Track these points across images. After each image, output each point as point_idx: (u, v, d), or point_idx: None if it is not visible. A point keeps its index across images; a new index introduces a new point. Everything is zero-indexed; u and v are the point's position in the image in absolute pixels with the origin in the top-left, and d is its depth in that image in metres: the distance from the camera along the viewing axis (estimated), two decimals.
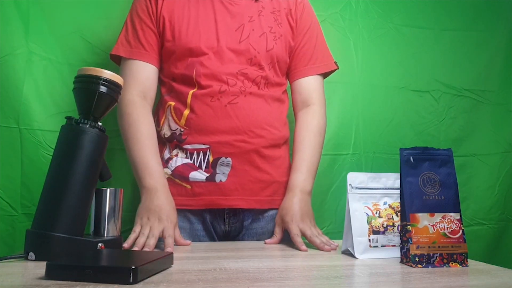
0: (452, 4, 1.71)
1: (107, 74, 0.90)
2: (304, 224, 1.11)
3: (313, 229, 1.11)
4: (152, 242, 0.98)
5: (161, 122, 1.20)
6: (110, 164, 0.96)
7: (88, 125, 0.88)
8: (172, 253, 0.79)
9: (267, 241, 1.13)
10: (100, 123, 0.91)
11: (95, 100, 0.89)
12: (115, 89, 0.92)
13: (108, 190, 0.94)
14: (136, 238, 1.00)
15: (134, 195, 1.33)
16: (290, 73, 1.28)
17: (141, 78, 1.17)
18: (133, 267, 0.64)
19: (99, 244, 0.86)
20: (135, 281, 0.64)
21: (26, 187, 1.26)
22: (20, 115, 1.26)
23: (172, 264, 0.79)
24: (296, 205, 1.13)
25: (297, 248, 1.05)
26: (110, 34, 1.35)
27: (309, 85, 1.27)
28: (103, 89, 0.89)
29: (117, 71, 0.94)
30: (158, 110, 1.23)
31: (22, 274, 0.73)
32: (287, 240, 1.13)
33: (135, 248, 0.96)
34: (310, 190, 1.19)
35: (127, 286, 0.64)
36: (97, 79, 0.89)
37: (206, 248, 1.04)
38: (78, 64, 1.28)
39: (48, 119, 1.29)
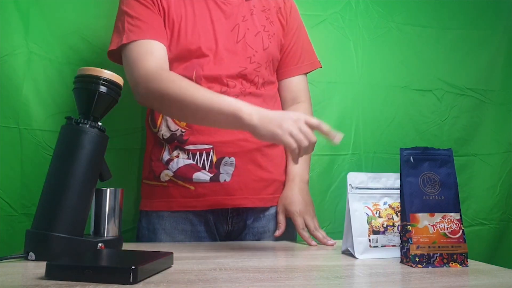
0: (453, 3, 1.70)
1: (107, 74, 0.90)
2: (308, 215, 1.16)
3: (315, 221, 1.17)
4: (314, 139, 0.92)
5: (158, 123, 1.18)
6: (110, 164, 0.96)
7: (88, 125, 0.88)
8: (172, 253, 0.79)
9: (276, 234, 1.17)
10: (100, 123, 0.91)
11: (95, 100, 0.89)
12: (115, 89, 0.92)
13: (108, 190, 0.94)
14: (297, 150, 0.91)
15: (138, 196, 1.33)
16: (279, 71, 1.30)
17: (159, 55, 1.10)
18: (133, 267, 0.64)
19: (99, 244, 0.86)
20: (135, 281, 0.64)
21: (26, 187, 1.26)
22: (20, 115, 1.26)
23: (172, 264, 0.79)
24: (299, 195, 1.17)
25: (305, 242, 1.12)
26: (110, 33, 1.35)
27: (299, 83, 1.30)
28: (103, 89, 0.89)
29: (116, 71, 0.94)
30: (153, 110, 1.20)
31: (22, 274, 0.73)
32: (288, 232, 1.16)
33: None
34: (308, 179, 1.24)
35: (127, 286, 0.64)
36: (97, 79, 0.89)
37: (206, 248, 1.03)
38: (78, 64, 1.28)
39: (48, 119, 1.29)
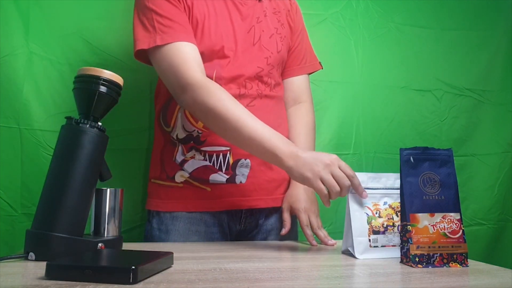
0: (453, 4, 1.71)
1: (107, 74, 0.90)
2: (312, 213, 1.15)
3: (318, 220, 1.16)
4: (348, 183, 0.91)
5: (172, 123, 1.17)
6: (110, 164, 0.96)
7: (88, 125, 0.88)
8: (172, 253, 0.79)
9: (282, 232, 1.16)
10: (100, 123, 0.91)
11: (95, 100, 0.89)
12: (115, 89, 0.91)
13: (108, 190, 0.94)
14: (327, 195, 0.92)
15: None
16: (282, 71, 1.30)
17: (198, 60, 1.08)
18: (133, 267, 0.64)
19: (99, 244, 0.86)
20: (135, 281, 0.64)
21: (26, 187, 1.26)
22: (20, 115, 1.26)
23: (172, 264, 0.79)
24: (304, 193, 1.17)
25: (307, 240, 1.12)
26: (110, 34, 1.35)
27: (301, 83, 1.31)
28: (103, 89, 0.89)
29: (116, 71, 0.93)
30: (166, 110, 1.18)
31: (22, 274, 0.73)
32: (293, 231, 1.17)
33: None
34: None
35: (127, 286, 0.64)
36: (97, 79, 0.89)
37: (206, 248, 1.04)
38: (78, 64, 1.27)
39: (48, 119, 1.29)
